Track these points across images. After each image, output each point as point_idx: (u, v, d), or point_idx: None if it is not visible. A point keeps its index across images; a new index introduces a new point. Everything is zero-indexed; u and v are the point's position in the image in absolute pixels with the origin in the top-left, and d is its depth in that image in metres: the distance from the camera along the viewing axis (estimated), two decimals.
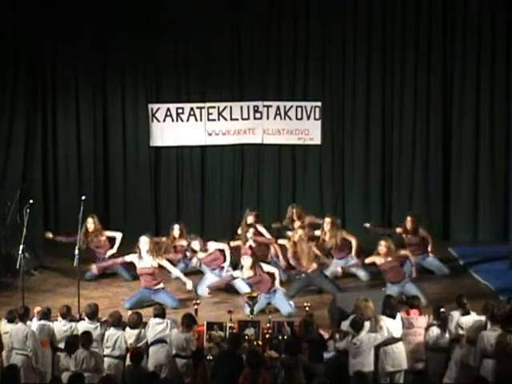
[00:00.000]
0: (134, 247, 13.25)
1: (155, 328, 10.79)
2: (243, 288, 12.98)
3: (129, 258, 13.29)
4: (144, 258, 13.06)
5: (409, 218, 14.66)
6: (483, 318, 10.65)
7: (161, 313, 11.00)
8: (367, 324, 10.56)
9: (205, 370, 10.16)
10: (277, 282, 12.76)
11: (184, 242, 14.29)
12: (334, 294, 12.62)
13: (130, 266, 13.81)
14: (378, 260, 13.10)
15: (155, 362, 10.43)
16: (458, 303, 10.99)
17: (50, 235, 14.94)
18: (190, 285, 13.17)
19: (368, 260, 13.28)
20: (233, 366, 9.85)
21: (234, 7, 16.94)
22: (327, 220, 14.56)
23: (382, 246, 13.05)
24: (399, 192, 17.23)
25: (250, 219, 14.82)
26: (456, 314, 10.88)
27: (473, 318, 10.79)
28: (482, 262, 15.04)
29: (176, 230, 14.54)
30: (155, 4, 16.82)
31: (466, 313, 10.86)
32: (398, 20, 16.88)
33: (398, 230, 14.68)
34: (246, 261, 12.68)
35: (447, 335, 10.71)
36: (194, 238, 14.03)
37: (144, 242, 13.09)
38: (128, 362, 10.48)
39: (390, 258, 13.02)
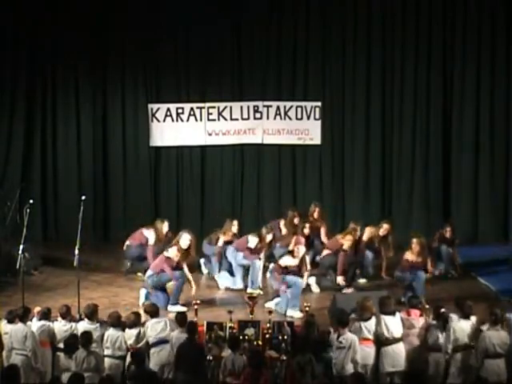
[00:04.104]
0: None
1: (155, 328, 10.74)
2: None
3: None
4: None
5: (448, 229, 14.63)
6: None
7: (155, 310, 10.94)
8: (356, 324, 10.54)
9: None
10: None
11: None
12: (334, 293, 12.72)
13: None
14: (410, 257, 13.01)
15: (157, 363, 10.40)
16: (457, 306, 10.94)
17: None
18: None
19: (406, 257, 13.06)
20: (194, 355, 9.98)
21: (234, 7, 16.95)
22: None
23: (415, 244, 12.99)
24: (399, 192, 17.25)
25: (296, 220, 14.92)
26: (455, 317, 10.83)
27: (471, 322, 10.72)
28: (482, 262, 15.06)
29: (235, 225, 14.55)
30: (155, 4, 16.82)
31: (465, 316, 10.76)
32: (398, 20, 16.91)
33: (435, 244, 14.48)
34: (301, 249, 13.05)
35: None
36: (270, 230, 14.08)
37: (186, 238, 13.17)
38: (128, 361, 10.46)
39: (420, 257, 12.99)
